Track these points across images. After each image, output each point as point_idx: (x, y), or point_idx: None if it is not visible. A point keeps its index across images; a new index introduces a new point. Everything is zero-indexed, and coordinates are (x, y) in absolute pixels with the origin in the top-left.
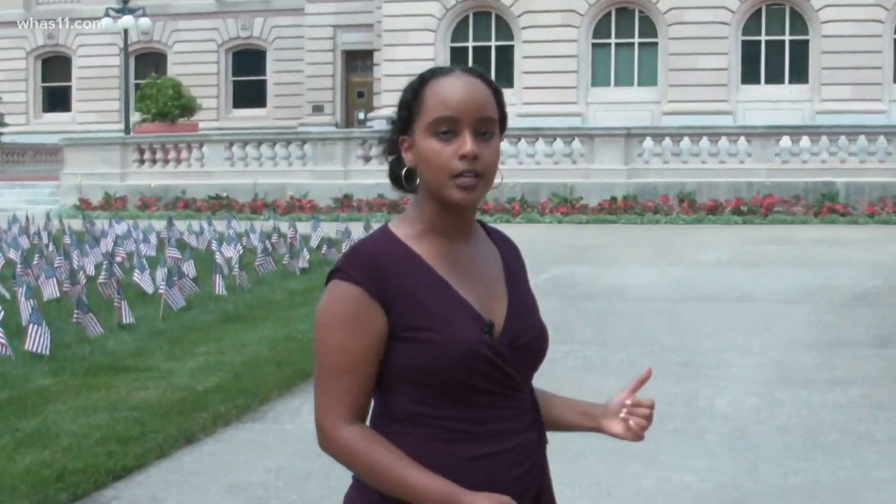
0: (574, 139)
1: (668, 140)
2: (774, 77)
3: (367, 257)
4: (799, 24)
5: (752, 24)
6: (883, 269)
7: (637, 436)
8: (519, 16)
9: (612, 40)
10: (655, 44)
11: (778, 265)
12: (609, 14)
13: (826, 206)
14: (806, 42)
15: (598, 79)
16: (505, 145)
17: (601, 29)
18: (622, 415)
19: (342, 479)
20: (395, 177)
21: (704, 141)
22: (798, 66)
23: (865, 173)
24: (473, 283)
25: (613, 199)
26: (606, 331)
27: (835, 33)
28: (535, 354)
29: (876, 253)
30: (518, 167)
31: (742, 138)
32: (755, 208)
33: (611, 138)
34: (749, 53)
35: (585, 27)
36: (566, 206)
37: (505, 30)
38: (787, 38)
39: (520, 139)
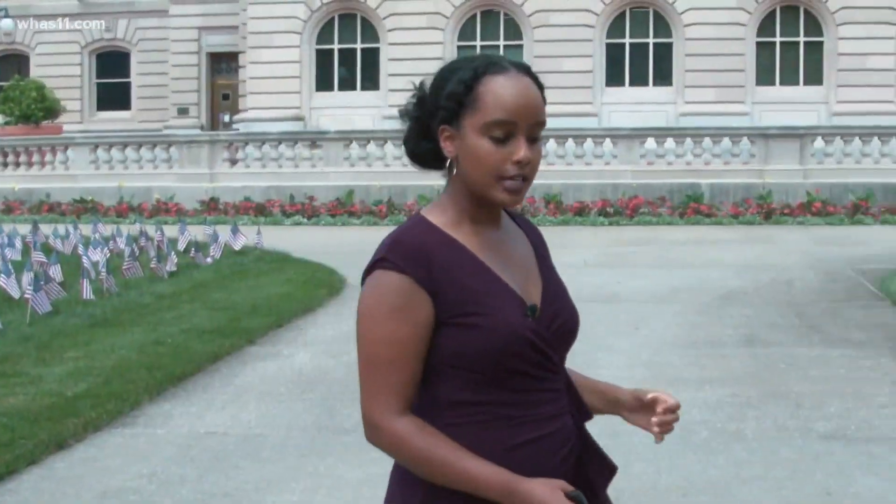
0: None
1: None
2: (639, 79)
3: (411, 246)
4: (662, 26)
5: (615, 27)
6: (748, 270)
7: (662, 437)
8: (385, 18)
9: (478, 43)
10: (521, 46)
11: (645, 266)
12: (475, 17)
13: (691, 207)
14: (669, 45)
15: None
16: (371, 147)
17: (466, 32)
18: (656, 420)
19: (215, 482)
20: (416, 155)
21: (570, 143)
22: (662, 68)
23: (729, 175)
24: (511, 268)
25: None
26: None
27: (698, 36)
28: (569, 336)
29: (741, 253)
30: (385, 169)
31: (607, 140)
32: (621, 210)
33: None
34: (613, 56)
35: (451, 30)
36: None
37: (370, 32)
38: (650, 40)
39: (386, 141)
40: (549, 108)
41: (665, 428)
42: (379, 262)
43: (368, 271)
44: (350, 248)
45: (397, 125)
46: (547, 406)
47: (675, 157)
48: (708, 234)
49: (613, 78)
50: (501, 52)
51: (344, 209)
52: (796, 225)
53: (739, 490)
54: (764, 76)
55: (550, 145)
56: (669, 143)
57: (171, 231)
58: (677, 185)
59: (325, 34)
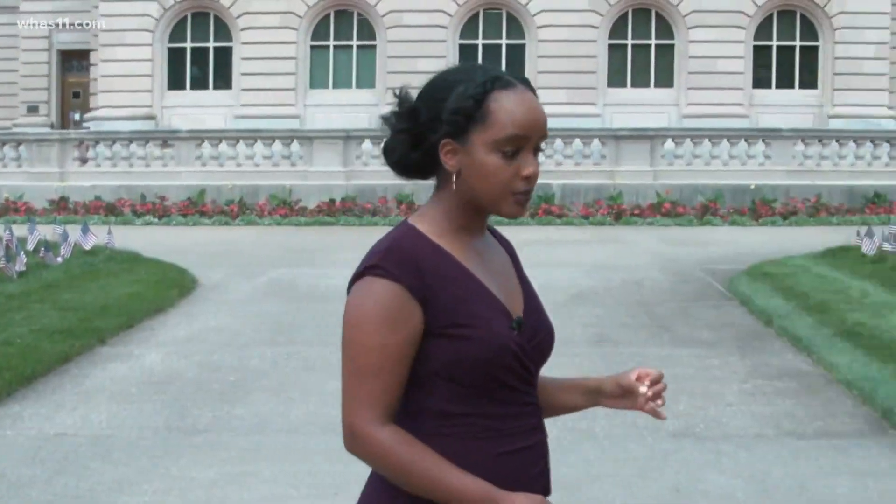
0: (293, 141)
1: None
2: None
3: (404, 254)
4: (516, 28)
5: (469, 28)
6: (599, 270)
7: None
8: (238, 17)
9: (332, 42)
10: (374, 47)
11: None
12: (328, 17)
13: (542, 207)
14: (522, 46)
15: (317, 81)
16: (223, 147)
17: (320, 31)
18: (649, 392)
19: (66, 484)
20: (401, 165)
21: None
22: (515, 69)
23: (581, 176)
24: (496, 280)
25: (332, 200)
26: (327, 332)
27: (551, 38)
28: (546, 352)
29: (592, 253)
30: (237, 169)
31: None
32: None
33: (329, 140)
34: (467, 57)
35: (304, 29)
36: (285, 209)
37: (223, 31)
38: (503, 41)
39: (238, 141)
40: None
41: (658, 398)
42: (370, 268)
43: (358, 277)
44: (201, 248)
45: (250, 125)
46: (527, 419)
47: None
48: (559, 234)
49: None
50: (355, 52)
51: (195, 209)
52: (646, 226)
53: (590, 488)
54: (615, 78)
55: None
56: None
57: (20, 230)
58: None
59: (177, 33)
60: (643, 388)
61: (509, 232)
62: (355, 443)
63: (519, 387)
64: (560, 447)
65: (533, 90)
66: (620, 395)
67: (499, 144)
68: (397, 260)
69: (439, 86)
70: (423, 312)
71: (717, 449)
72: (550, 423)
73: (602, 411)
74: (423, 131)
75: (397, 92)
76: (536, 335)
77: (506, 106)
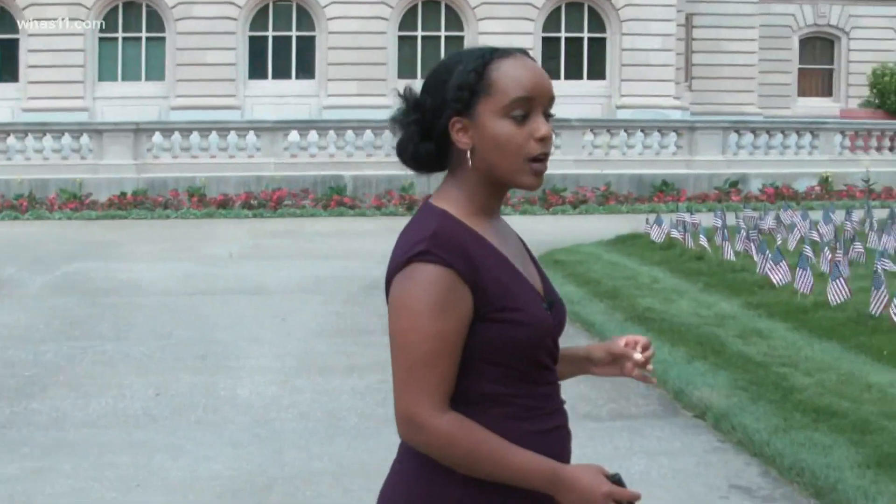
0: (82, 134)
1: (177, 135)
2: (282, 72)
3: (450, 239)
4: (306, 20)
5: (259, 21)
6: None
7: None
8: (24, 8)
9: (120, 35)
10: (164, 39)
11: (290, 257)
12: (117, 8)
13: (335, 199)
14: (313, 38)
15: (106, 73)
16: (11, 140)
17: (109, 23)
18: (640, 358)
19: None
20: (417, 159)
21: (214, 135)
22: (305, 61)
23: (372, 167)
24: (519, 261)
25: (123, 194)
26: (124, 326)
27: (341, 30)
28: (561, 330)
29: (384, 244)
30: (26, 163)
31: (251, 133)
32: (265, 202)
33: (119, 133)
34: (257, 49)
35: (92, 21)
36: (75, 202)
37: (9, 21)
38: (293, 33)
39: (27, 134)
40: (191, 101)
41: (648, 364)
42: (420, 255)
43: (406, 263)
44: None
45: (38, 118)
46: (556, 399)
47: (318, 149)
48: (352, 225)
49: (257, 71)
50: (143, 45)
51: None
52: None
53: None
54: (405, 69)
55: (194, 138)
56: (312, 135)
57: None
58: (321, 178)
59: None
60: (637, 355)
61: (303, 224)
62: (417, 432)
63: (549, 365)
64: (360, 434)
65: (532, 59)
66: (609, 362)
67: (507, 110)
68: (445, 245)
69: (440, 70)
70: (472, 297)
71: None
72: (349, 411)
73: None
74: (432, 119)
75: (401, 91)
76: (560, 313)
77: (508, 72)
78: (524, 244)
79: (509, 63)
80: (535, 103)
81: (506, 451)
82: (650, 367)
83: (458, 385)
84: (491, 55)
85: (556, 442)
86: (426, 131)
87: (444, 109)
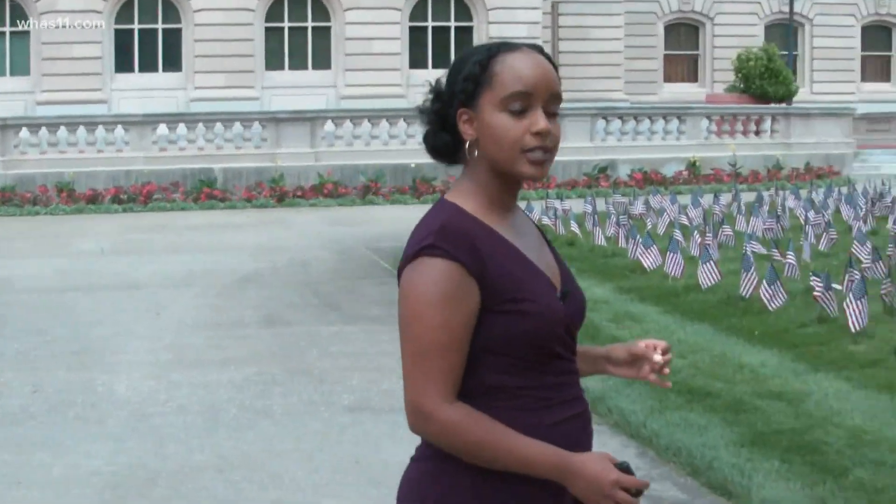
0: None
1: (44, 130)
2: (148, 66)
3: (458, 232)
4: (172, 12)
5: (124, 14)
6: (265, 252)
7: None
8: None
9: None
10: (28, 33)
11: (162, 252)
12: None
13: (205, 192)
14: (179, 30)
15: None
16: None
17: None
18: (660, 360)
19: None
20: (436, 149)
21: (81, 130)
22: (172, 54)
23: (242, 159)
24: (534, 253)
25: None
26: None
27: (207, 22)
28: (582, 321)
29: (256, 236)
30: None
31: (119, 127)
32: (135, 196)
33: None
34: (122, 43)
35: None
36: None
37: None
38: (160, 26)
39: None
40: (57, 96)
41: (666, 367)
42: (427, 248)
43: (413, 257)
44: None
45: None
46: (573, 388)
47: (187, 142)
48: (223, 218)
49: (123, 64)
50: (7, 40)
51: None
52: (310, 207)
53: (272, 463)
54: (273, 61)
55: (62, 133)
56: (181, 128)
57: None
58: (190, 171)
59: None
60: (658, 357)
61: (173, 219)
62: (424, 422)
63: (565, 355)
64: (239, 426)
65: (545, 55)
66: (628, 363)
67: (505, 102)
68: (452, 238)
69: (458, 61)
70: (479, 290)
71: (394, 420)
72: (227, 404)
73: (278, 389)
74: (448, 109)
75: (432, 83)
76: (576, 303)
77: (510, 65)
78: (543, 235)
79: (514, 57)
80: (534, 98)
81: (513, 440)
82: (667, 370)
83: (467, 376)
84: (498, 49)
85: (570, 432)
86: (443, 122)
87: (454, 100)
